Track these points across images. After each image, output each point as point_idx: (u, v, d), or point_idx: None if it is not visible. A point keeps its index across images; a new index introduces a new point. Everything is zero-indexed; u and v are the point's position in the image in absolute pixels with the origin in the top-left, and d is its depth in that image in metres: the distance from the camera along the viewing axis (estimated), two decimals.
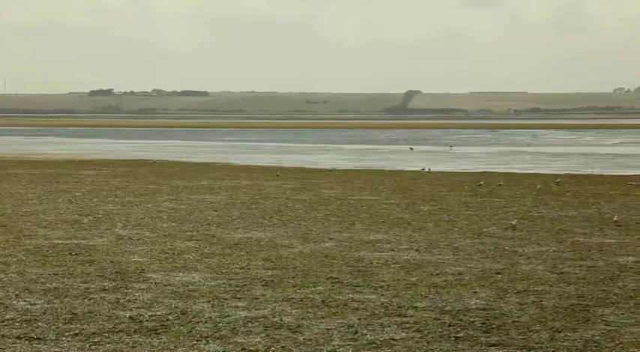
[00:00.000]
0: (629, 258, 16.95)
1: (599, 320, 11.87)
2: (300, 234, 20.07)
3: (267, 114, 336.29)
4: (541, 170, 45.54)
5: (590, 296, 13.36)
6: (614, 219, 22.52)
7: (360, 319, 11.94)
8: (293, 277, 14.89)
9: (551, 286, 14.18)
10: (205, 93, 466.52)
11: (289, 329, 11.45)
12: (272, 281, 14.53)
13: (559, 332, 11.30)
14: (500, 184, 34.01)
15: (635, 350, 10.51)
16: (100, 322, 11.72)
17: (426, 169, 44.63)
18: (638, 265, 16.08)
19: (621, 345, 10.69)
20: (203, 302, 12.89)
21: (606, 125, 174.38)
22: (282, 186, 33.41)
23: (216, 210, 24.86)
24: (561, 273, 15.30)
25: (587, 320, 11.87)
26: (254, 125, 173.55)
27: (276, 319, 11.94)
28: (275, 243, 18.70)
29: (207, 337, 11.06)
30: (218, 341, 10.89)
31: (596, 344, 10.74)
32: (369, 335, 11.12)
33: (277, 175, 38.68)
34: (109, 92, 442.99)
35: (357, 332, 11.26)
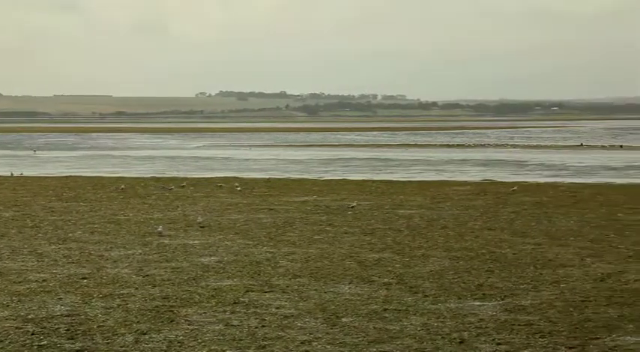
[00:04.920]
0: (212, 258, 17.46)
1: (182, 320, 12.12)
2: None
3: None
4: (128, 173, 45.71)
5: (174, 297, 13.61)
6: (198, 220, 23.10)
7: None
8: None
9: (137, 289, 14.28)
10: None
11: None
12: None
13: (144, 334, 11.41)
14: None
15: (216, 347, 10.84)
16: None
17: (16, 174, 43.45)
18: (219, 265, 16.60)
19: (203, 343, 10.98)
20: None
21: (189, 128, 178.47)
22: None
23: None
24: (147, 276, 15.46)
25: (171, 321, 12.07)
26: None
27: None
28: None
29: None
30: None
31: (179, 344, 10.95)
32: None
33: None
34: None
35: None
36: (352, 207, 26.83)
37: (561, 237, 20.31)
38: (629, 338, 11.22)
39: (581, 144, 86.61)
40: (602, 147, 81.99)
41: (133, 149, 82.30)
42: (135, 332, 11.51)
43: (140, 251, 18.31)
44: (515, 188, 33.65)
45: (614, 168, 48.94)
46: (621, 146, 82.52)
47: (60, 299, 13.46)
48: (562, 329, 11.63)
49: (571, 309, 12.77)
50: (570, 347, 10.79)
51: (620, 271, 15.85)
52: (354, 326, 11.78)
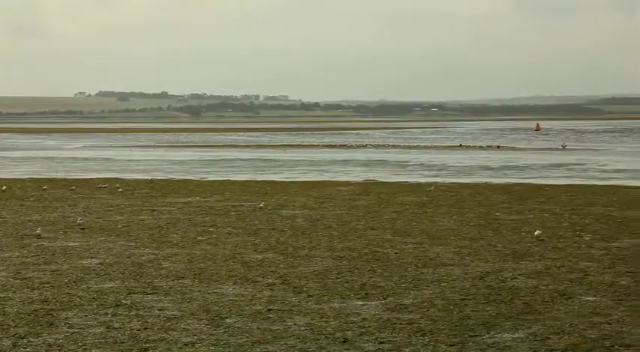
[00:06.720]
0: (93, 260, 17.21)
1: (62, 324, 11.91)
2: None
3: None
4: (4, 175, 44.71)
5: (54, 300, 13.37)
6: (78, 222, 22.74)
7: None
8: None
9: (14, 292, 13.99)
10: None
11: None
12: None
13: (22, 338, 11.18)
14: None
15: (98, 350, 10.68)
16: None
17: None
18: (100, 267, 16.38)
19: (84, 347, 10.81)
20: None
21: (68, 129, 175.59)
22: None
23: None
24: (25, 279, 15.16)
25: (51, 325, 11.86)
26: None
27: None
28: None
29: None
30: None
31: (59, 348, 10.76)
32: None
33: None
34: None
35: None
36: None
37: (442, 236, 20.63)
38: (506, 335, 11.46)
39: (460, 145, 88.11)
40: (480, 147, 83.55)
41: (9, 149, 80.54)
42: (13, 336, 11.27)
43: (18, 253, 17.94)
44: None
45: (492, 168, 49.93)
46: (499, 146, 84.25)
47: None
48: (442, 327, 11.82)
49: (451, 307, 12.97)
50: (450, 345, 10.96)
51: (498, 269, 16.18)
52: (238, 327, 11.76)
